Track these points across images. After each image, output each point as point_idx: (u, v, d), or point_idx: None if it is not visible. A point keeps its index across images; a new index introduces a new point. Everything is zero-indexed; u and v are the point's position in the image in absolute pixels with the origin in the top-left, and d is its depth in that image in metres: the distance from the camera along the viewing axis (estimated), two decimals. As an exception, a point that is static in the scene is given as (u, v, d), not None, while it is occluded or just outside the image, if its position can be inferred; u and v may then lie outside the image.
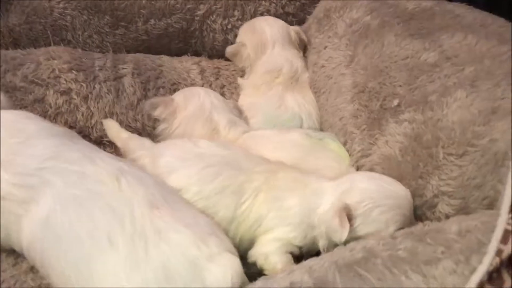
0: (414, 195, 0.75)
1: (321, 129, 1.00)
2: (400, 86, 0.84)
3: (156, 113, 0.93)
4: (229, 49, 1.12)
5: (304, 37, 1.14)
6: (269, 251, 0.72)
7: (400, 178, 0.77)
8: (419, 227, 0.65)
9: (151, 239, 0.60)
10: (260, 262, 0.72)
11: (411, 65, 0.84)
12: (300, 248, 0.74)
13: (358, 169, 0.85)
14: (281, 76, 1.05)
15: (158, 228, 0.61)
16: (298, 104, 1.02)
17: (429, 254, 0.55)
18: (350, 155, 0.88)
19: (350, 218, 0.68)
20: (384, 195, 0.71)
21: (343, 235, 0.67)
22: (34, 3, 1.09)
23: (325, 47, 1.04)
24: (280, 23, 1.14)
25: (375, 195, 0.71)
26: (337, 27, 1.03)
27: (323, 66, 1.03)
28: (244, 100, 1.04)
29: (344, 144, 0.90)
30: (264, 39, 1.09)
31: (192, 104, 0.93)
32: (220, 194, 0.73)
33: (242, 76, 1.14)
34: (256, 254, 0.73)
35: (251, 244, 0.74)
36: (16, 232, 0.64)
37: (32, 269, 0.64)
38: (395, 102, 0.82)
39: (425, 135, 0.76)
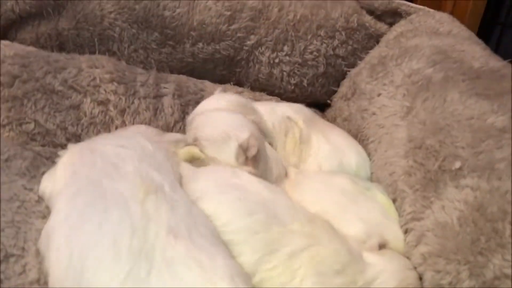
0: (471, 273, 0.66)
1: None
2: (463, 148, 0.76)
3: (240, 160, 0.78)
4: None
5: None
6: None
7: (455, 251, 0.68)
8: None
9: (157, 265, 0.54)
10: None
11: (476, 127, 0.77)
12: None
13: (406, 232, 0.76)
14: None
15: (168, 257, 0.55)
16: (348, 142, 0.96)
17: None
18: (399, 215, 0.79)
19: None
20: None
21: None
22: (86, 10, 1.07)
23: (379, 95, 0.98)
24: None
25: None
26: (394, 76, 0.97)
27: (374, 114, 0.96)
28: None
29: (393, 202, 0.82)
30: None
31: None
32: (248, 235, 0.66)
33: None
34: None
35: None
36: None
37: (39, 280, 0.57)
38: (457, 164, 0.74)
39: (490, 206, 0.67)
